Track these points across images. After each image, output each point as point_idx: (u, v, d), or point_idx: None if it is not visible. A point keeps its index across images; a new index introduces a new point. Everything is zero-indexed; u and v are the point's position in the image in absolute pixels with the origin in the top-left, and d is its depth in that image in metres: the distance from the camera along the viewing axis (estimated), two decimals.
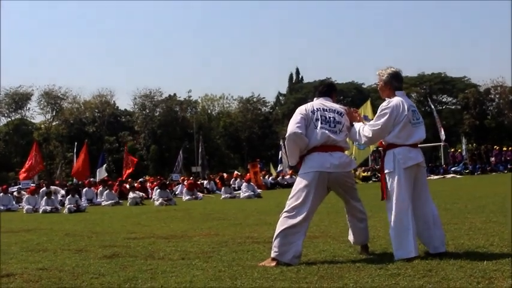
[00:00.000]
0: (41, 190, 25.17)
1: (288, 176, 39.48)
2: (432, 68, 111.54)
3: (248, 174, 35.53)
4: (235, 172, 43.01)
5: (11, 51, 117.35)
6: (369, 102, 34.14)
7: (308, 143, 6.47)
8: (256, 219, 12.58)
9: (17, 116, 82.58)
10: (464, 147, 49.91)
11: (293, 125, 6.54)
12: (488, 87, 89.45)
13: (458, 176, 40.92)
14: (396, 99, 6.39)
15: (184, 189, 27.89)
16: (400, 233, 6.09)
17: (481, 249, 6.46)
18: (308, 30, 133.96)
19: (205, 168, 54.17)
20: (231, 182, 32.50)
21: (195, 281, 5.48)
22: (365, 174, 41.34)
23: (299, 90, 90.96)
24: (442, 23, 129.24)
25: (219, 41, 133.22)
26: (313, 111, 6.63)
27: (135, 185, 29.05)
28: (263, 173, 40.36)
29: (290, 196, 6.60)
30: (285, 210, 6.57)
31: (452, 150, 54.48)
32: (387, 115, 6.30)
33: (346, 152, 6.91)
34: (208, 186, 33.98)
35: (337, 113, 6.66)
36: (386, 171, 6.32)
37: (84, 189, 26.63)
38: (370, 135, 6.42)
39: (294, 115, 6.74)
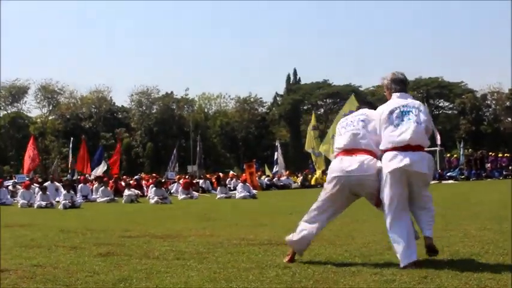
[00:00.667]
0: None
1: (283, 177, 39.50)
2: (429, 72, 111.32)
3: (244, 175, 35.52)
4: (231, 172, 43.01)
5: (8, 45, 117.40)
6: (353, 97, 34.26)
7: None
8: (252, 220, 12.57)
9: (13, 109, 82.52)
10: (462, 152, 49.95)
11: None
12: (485, 93, 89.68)
13: (453, 182, 40.92)
14: (380, 107, 6.46)
15: (180, 188, 27.86)
16: (397, 238, 6.10)
17: (476, 257, 6.46)
18: (307, 31, 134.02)
19: (201, 167, 54.11)
20: (227, 182, 32.49)
21: (190, 282, 5.48)
22: None
23: (296, 91, 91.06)
24: (440, 28, 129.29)
25: (218, 39, 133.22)
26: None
27: (131, 182, 29.02)
28: (259, 173, 40.36)
29: None
30: None
31: (448, 155, 54.52)
32: None
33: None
34: (204, 186, 33.94)
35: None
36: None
37: (80, 186, 26.60)
38: None
39: None
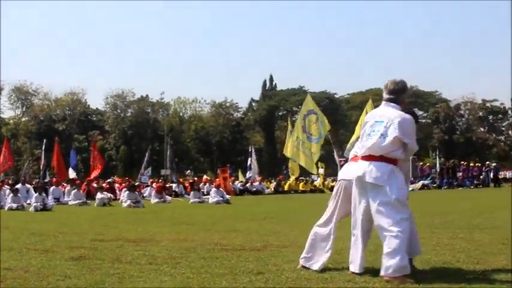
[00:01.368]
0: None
1: (257, 183, 39.48)
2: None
3: (217, 180, 35.44)
4: (205, 176, 42.91)
5: None
6: (309, 96, 34.54)
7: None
8: (225, 225, 12.56)
9: None
10: (437, 161, 50.43)
11: None
12: (458, 103, 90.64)
13: (425, 190, 41.21)
14: None
15: (153, 192, 27.72)
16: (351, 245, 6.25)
17: (447, 265, 6.53)
18: (283, 38, 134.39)
19: (173, 171, 53.85)
20: (200, 187, 32.39)
21: (162, 287, 5.47)
22: (334, 184, 41.50)
23: (272, 97, 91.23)
24: (415, 37, 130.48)
25: (194, 43, 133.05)
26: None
27: (103, 185, 28.82)
28: (232, 178, 40.30)
29: None
30: None
31: (420, 163, 54.97)
32: None
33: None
34: (177, 190, 33.80)
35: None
36: None
37: (51, 188, 26.32)
38: None
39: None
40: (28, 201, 22.41)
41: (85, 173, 51.30)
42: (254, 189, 37.51)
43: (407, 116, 6.29)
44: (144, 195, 30.31)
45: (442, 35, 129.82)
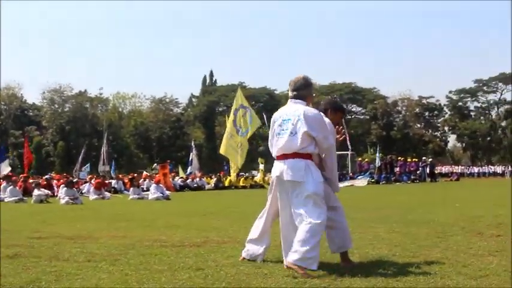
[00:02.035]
0: None
1: (197, 179, 39.39)
2: (343, 77, 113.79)
3: (157, 176, 35.21)
4: (144, 173, 42.58)
5: None
6: (239, 90, 34.93)
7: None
8: (165, 221, 12.48)
9: None
10: (378, 156, 51.18)
11: None
12: (395, 100, 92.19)
13: (361, 182, 41.78)
14: None
15: (92, 188, 27.38)
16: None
17: (384, 259, 6.64)
18: (223, 34, 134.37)
19: (111, 167, 53.24)
20: (140, 183, 32.13)
21: (101, 284, 5.40)
22: None
23: (212, 92, 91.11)
24: (355, 34, 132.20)
25: (134, 38, 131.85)
26: None
27: (41, 182, 28.29)
28: (172, 174, 40.11)
29: None
30: None
31: (359, 159, 55.76)
32: None
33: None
34: (116, 186, 33.46)
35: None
36: None
37: None
38: None
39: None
40: None
41: (22, 169, 50.25)
42: (195, 185, 37.43)
43: (313, 110, 6.37)
44: (83, 191, 29.90)
45: (380, 33, 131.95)
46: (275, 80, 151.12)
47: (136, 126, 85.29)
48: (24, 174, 32.73)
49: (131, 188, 28.17)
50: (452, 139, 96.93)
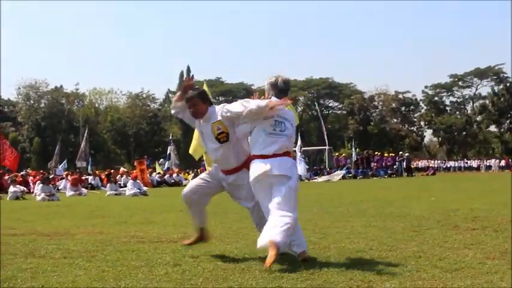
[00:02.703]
0: None
1: (175, 175, 39.30)
2: (320, 73, 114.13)
3: (135, 171, 35.09)
4: (122, 168, 42.39)
5: None
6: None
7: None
8: (142, 217, 12.44)
9: None
10: (354, 151, 51.44)
11: None
12: (372, 95, 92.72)
13: (340, 180, 41.98)
14: None
15: (68, 185, 27.22)
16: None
17: (361, 253, 6.67)
18: (200, 29, 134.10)
19: (88, 163, 52.84)
20: (117, 179, 32.01)
21: (77, 281, 5.36)
22: None
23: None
24: (332, 29, 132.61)
25: (111, 33, 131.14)
26: None
27: (16, 178, 28.06)
28: (150, 170, 39.99)
29: None
30: None
31: (336, 154, 55.97)
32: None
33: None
34: (93, 182, 33.30)
35: None
36: None
37: None
38: None
39: None
40: None
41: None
42: (172, 181, 37.34)
43: None
44: (59, 188, 29.72)
45: (356, 28, 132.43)
46: (252, 76, 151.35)
47: (113, 122, 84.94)
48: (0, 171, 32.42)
49: (108, 184, 28.06)
50: (428, 134, 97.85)
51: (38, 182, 25.92)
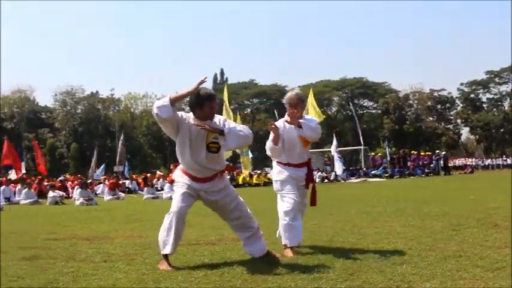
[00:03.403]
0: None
1: None
2: (354, 72, 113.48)
3: (171, 175, 35.26)
4: (158, 172, 42.64)
5: None
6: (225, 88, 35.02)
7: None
8: None
9: None
10: (388, 151, 51.06)
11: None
12: (407, 93, 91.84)
13: (377, 179, 41.73)
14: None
15: (106, 189, 27.48)
16: None
17: (400, 253, 6.61)
18: (234, 31, 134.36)
19: (124, 167, 53.27)
20: (154, 183, 32.23)
21: (118, 284, 5.42)
22: None
23: (223, 91, 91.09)
24: (365, 29, 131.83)
25: (144, 38, 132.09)
26: None
27: (55, 183, 28.43)
28: None
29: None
30: None
31: (372, 154, 55.59)
32: None
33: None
34: (130, 186, 33.58)
35: None
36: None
37: (2, 188, 25.86)
38: None
39: None
40: None
41: (36, 171, 50.44)
42: None
43: None
44: (97, 192, 30.04)
45: (390, 27, 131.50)
46: (286, 77, 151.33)
47: (149, 126, 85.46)
48: (39, 177, 32.84)
49: (145, 188, 28.27)
50: (465, 132, 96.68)
51: (76, 187, 26.22)
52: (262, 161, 65.93)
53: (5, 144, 34.24)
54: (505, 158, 77.54)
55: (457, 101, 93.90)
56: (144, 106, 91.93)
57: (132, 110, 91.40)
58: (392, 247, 7.09)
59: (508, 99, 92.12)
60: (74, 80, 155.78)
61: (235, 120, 42.39)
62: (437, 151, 54.93)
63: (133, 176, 41.19)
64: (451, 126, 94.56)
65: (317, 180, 34.52)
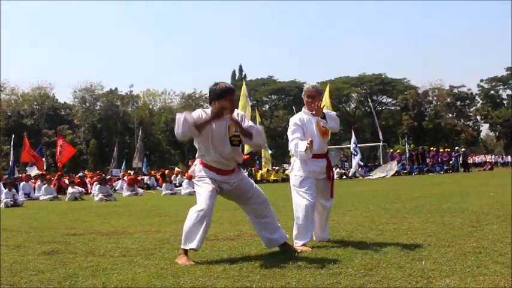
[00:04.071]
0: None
1: None
2: (373, 69, 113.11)
3: (189, 171, 35.36)
4: (176, 168, 42.77)
5: None
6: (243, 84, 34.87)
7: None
8: None
9: None
10: (407, 147, 50.88)
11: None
12: (426, 90, 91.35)
13: (396, 176, 41.54)
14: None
15: (125, 185, 27.61)
16: None
17: (419, 249, 6.57)
18: (252, 28, 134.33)
19: (143, 163, 53.52)
20: (172, 179, 32.33)
21: (137, 278, 5.43)
22: None
23: (241, 87, 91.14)
24: (383, 26, 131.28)
25: (162, 35, 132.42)
26: None
27: (74, 179, 28.61)
28: None
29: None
30: None
31: (390, 150, 55.38)
32: None
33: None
34: (149, 182, 33.71)
35: None
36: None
37: (22, 184, 26.07)
38: None
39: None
40: None
41: (56, 167, 50.84)
42: None
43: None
44: (116, 188, 30.19)
45: (409, 23, 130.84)
46: (304, 73, 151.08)
47: (167, 122, 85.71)
48: (59, 173, 33.09)
49: (164, 184, 28.37)
50: (485, 128, 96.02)
51: (95, 182, 26.38)
52: (280, 158, 65.88)
53: (25, 141, 34.62)
54: None
55: (477, 98, 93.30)
56: (163, 103, 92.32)
57: (150, 106, 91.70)
58: (411, 243, 7.06)
59: None
60: (93, 76, 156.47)
61: (254, 117, 42.41)
62: (456, 148, 54.53)
63: (152, 172, 41.34)
64: (470, 123, 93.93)
65: (335, 176, 34.47)
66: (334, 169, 7.31)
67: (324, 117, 7.18)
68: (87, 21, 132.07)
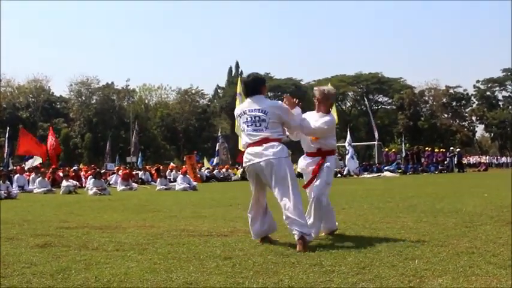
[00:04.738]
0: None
1: (224, 170, 39.47)
2: (370, 67, 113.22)
3: (184, 167, 35.37)
4: (171, 164, 42.74)
5: None
6: (239, 80, 34.81)
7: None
8: (192, 212, 12.54)
9: None
10: (403, 146, 50.94)
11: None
12: (422, 89, 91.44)
13: (391, 175, 41.58)
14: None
15: (119, 179, 27.57)
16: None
17: (412, 248, 6.58)
18: (248, 24, 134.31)
19: (138, 158, 53.44)
20: (167, 174, 32.31)
21: (129, 273, 5.43)
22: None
23: (238, 83, 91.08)
24: (380, 25, 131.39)
25: (160, 30, 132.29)
26: (240, 115, 7.20)
27: (69, 173, 28.56)
28: (199, 165, 40.24)
29: None
30: None
31: (386, 149, 55.44)
32: None
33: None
34: (143, 177, 33.67)
35: (262, 111, 7.00)
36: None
37: (16, 176, 26.01)
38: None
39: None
40: None
41: (50, 160, 50.69)
42: (221, 175, 37.54)
43: None
44: (110, 182, 30.15)
45: (406, 23, 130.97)
46: (301, 71, 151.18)
47: (163, 117, 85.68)
48: (54, 166, 33.00)
49: (158, 179, 28.35)
50: (480, 129, 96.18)
51: (89, 176, 26.34)
52: None
53: (20, 133, 34.51)
54: None
55: (473, 98, 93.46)
56: (159, 98, 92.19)
57: (146, 101, 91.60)
58: (404, 242, 7.06)
59: None
60: (89, 70, 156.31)
61: None
62: (451, 148, 54.64)
63: (147, 167, 41.30)
64: (466, 124, 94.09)
65: None
66: None
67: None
68: (84, 15, 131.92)
